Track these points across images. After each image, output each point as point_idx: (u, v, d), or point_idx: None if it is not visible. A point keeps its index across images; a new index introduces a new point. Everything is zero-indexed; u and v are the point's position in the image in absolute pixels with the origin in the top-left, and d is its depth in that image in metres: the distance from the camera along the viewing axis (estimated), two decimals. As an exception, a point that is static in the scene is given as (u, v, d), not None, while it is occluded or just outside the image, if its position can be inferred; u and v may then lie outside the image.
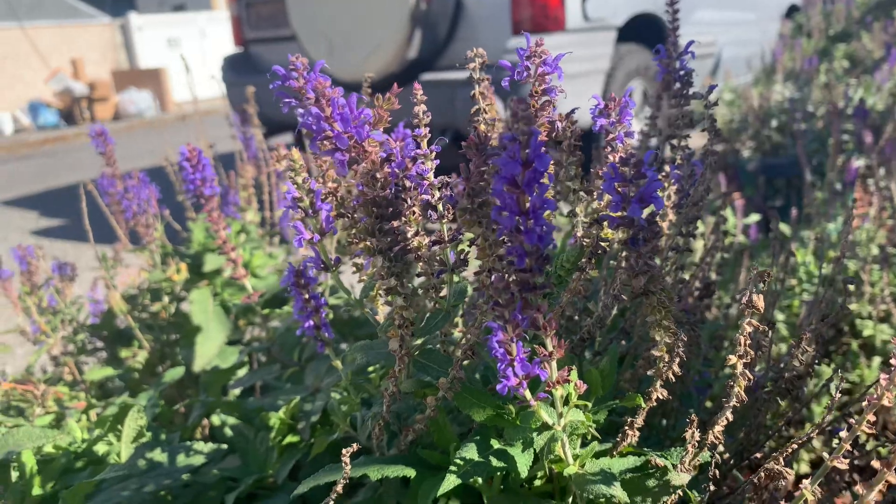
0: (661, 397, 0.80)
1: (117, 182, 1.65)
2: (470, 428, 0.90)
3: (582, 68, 4.30)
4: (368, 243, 0.64)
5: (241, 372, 1.43)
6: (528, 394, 0.64)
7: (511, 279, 0.59)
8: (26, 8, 14.37)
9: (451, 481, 0.72)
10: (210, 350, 1.50)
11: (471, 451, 0.75)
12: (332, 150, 0.64)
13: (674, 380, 0.77)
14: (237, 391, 1.45)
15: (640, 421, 0.78)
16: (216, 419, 1.38)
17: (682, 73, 0.91)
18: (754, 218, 2.85)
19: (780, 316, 1.93)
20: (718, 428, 0.78)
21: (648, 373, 0.81)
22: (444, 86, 4.34)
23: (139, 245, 1.71)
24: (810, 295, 1.98)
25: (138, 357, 1.61)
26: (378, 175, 0.62)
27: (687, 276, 0.96)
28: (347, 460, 0.68)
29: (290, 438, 1.09)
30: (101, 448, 1.14)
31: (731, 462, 1.03)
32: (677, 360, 0.75)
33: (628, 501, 0.67)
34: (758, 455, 1.00)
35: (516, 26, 4.32)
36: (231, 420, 1.37)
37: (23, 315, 1.78)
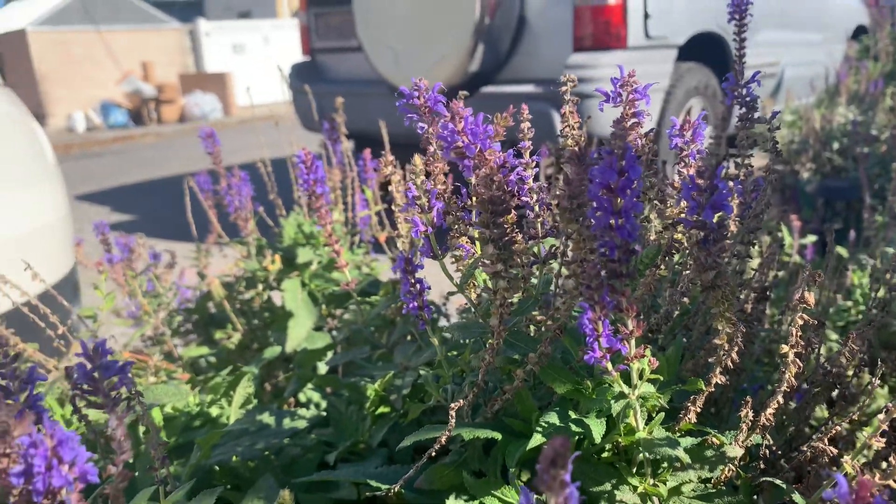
0: (719, 382, 0.91)
1: (221, 179, 1.84)
2: (548, 402, 1.03)
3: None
4: (482, 234, 0.78)
5: (329, 354, 1.58)
6: (609, 365, 0.77)
7: (601, 268, 0.72)
8: (104, 13, 15.08)
9: (536, 440, 0.85)
10: (300, 334, 1.66)
11: (553, 418, 0.88)
12: (460, 157, 0.78)
13: (731, 367, 0.89)
14: (324, 370, 1.61)
15: (700, 402, 0.90)
16: (305, 395, 1.54)
17: (748, 98, 1.02)
18: (811, 239, 2.89)
19: (832, 336, 2.00)
20: (770, 410, 0.89)
21: (709, 360, 0.92)
22: (503, 99, 4.49)
23: (236, 238, 1.89)
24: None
25: (232, 339, 1.79)
26: (495, 178, 0.76)
27: (745, 278, 1.07)
28: (453, 414, 0.82)
29: (381, 409, 1.23)
30: (214, 411, 1.30)
31: (780, 453, 1.13)
32: (736, 348, 0.86)
33: (690, 461, 0.79)
34: (804, 448, 1.10)
35: (578, 42, 4.44)
36: (316, 397, 1.53)
37: (128, 297, 1.97)
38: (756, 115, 1.02)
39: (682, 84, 4.63)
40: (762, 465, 0.96)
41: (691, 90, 4.77)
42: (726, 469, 0.88)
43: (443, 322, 1.53)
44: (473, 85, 4.69)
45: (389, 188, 1.40)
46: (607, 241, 0.70)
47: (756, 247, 1.11)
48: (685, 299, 1.00)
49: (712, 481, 0.94)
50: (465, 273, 0.93)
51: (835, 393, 1.04)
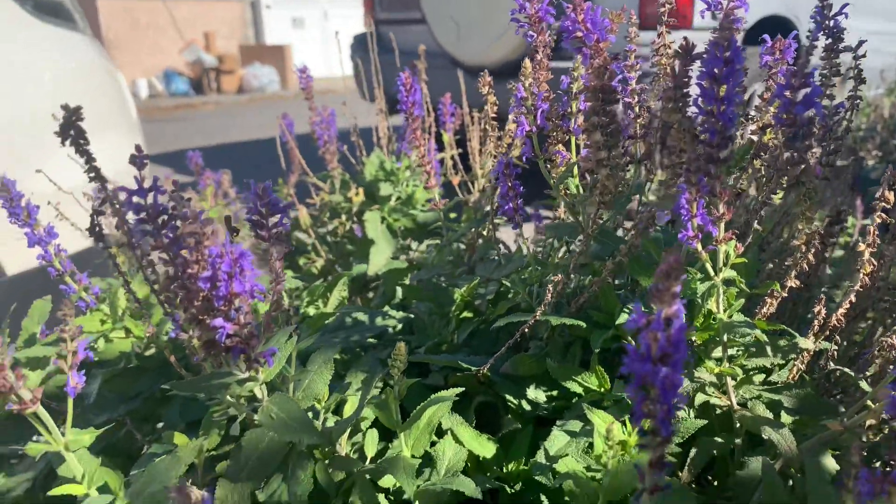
0: (793, 286, 0.99)
1: (312, 115, 1.96)
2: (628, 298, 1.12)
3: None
4: (589, 123, 0.87)
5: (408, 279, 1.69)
6: (700, 245, 0.85)
7: (700, 153, 0.80)
8: (171, -17, 15.44)
9: (623, 318, 0.94)
10: (381, 260, 1.78)
11: (625, 316, 0.98)
12: (578, 47, 0.87)
13: (807, 269, 0.96)
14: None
15: (774, 301, 0.98)
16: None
17: (834, 30, 1.08)
18: (875, 220, 2.89)
19: None
20: (842, 310, 0.96)
21: (786, 263, 1.00)
22: (561, 73, 4.53)
23: (321, 173, 2.02)
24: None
25: (316, 264, 1.91)
26: (607, 68, 0.85)
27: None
28: (549, 297, 0.91)
29: (465, 314, 1.33)
30: (310, 310, 1.42)
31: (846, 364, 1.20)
32: (813, 250, 0.94)
33: (767, 340, 0.87)
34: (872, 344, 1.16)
35: (643, 21, 4.44)
36: (399, 315, 1.64)
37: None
38: (842, 45, 1.08)
39: (748, 67, 4.60)
40: (830, 365, 1.03)
41: (755, 76, 4.73)
42: (799, 359, 0.96)
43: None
44: (508, 71, 4.73)
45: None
46: (708, 127, 0.78)
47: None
48: (762, 213, 1.07)
49: (780, 381, 1.02)
50: (562, 175, 1.02)
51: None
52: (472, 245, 1.54)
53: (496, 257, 1.43)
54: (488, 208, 1.52)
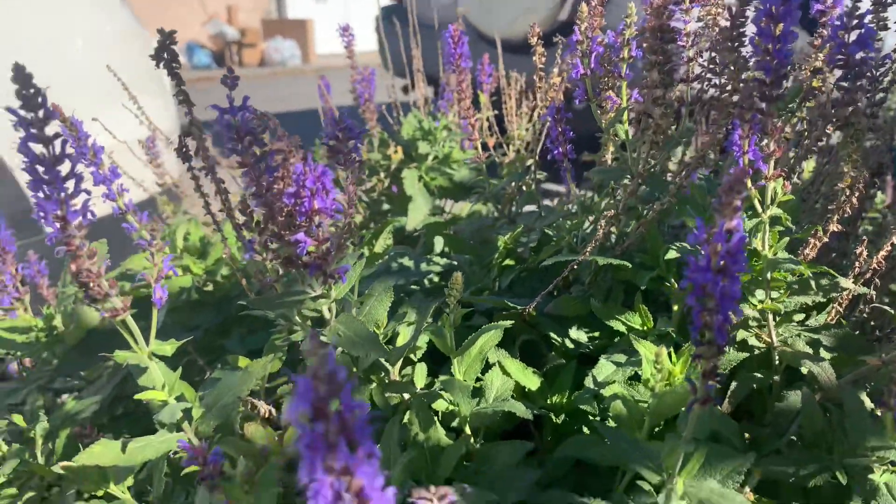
0: (835, 230, 1.02)
1: (352, 73, 2.00)
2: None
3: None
4: (647, 61, 0.90)
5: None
6: (749, 182, 0.89)
7: (754, 91, 0.84)
8: (194, -45, 15.44)
9: (671, 254, 0.99)
10: (419, 216, 1.82)
11: (673, 253, 1.02)
12: (639, -12, 0.91)
13: (849, 213, 1.00)
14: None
15: (818, 242, 1.01)
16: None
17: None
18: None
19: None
20: (883, 253, 1.00)
21: (829, 207, 1.03)
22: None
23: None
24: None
25: (354, 219, 1.96)
26: (666, 8, 0.88)
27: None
28: (601, 233, 0.95)
29: (507, 262, 1.38)
30: (356, 257, 1.47)
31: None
32: (857, 194, 0.97)
33: (809, 274, 0.91)
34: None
35: (673, -6, 4.42)
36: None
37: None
38: (889, -1, 1.10)
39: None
40: (868, 310, 1.06)
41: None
42: (838, 300, 1.00)
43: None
44: (563, 34, 4.72)
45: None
46: (764, 64, 0.82)
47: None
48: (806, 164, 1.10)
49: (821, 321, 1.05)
50: (612, 119, 1.06)
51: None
52: (512, 198, 1.58)
53: (538, 209, 1.47)
54: (530, 162, 1.56)
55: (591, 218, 1.21)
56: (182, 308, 1.23)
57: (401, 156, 1.95)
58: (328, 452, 0.48)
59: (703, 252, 0.66)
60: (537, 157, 1.50)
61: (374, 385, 1.03)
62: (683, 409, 0.91)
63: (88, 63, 2.71)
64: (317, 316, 0.96)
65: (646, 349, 0.94)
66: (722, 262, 0.66)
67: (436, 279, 1.43)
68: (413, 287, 1.44)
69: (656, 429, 0.98)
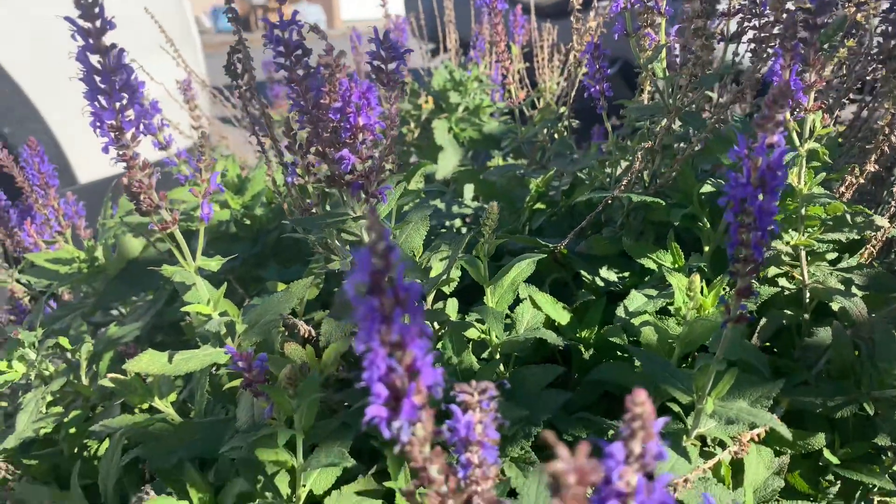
0: (872, 169, 1.02)
1: (386, 21, 2.01)
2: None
3: None
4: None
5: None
6: (788, 113, 0.89)
7: (798, 18, 0.83)
8: (220, -83, 15.36)
9: (707, 188, 0.99)
10: (449, 165, 1.84)
11: (708, 187, 1.03)
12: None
13: (888, 152, 0.99)
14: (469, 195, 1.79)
15: (854, 179, 1.01)
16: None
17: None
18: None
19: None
20: (919, 193, 1.00)
21: (866, 147, 1.03)
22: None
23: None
24: None
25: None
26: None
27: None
28: (636, 170, 0.96)
29: (538, 205, 1.39)
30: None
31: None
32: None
33: (846, 208, 0.91)
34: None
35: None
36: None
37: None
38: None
39: None
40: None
41: None
42: (872, 240, 1.00)
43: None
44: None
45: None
46: (809, -8, 0.81)
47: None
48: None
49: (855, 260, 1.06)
50: (651, 55, 1.06)
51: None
52: (543, 145, 1.58)
53: (570, 153, 1.48)
54: (563, 109, 1.56)
55: (623, 161, 1.22)
56: (221, 239, 1.27)
57: (431, 106, 1.96)
58: (383, 325, 0.50)
59: (743, 167, 0.67)
60: (571, 102, 1.50)
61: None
62: (711, 339, 0.93)
63: (125, 13, 2.74)
64: (355, 240, 0.98)
65: (678, 280, 0.96)
66: (761, 176, 0.67)
67: (465, 224, 1.45)
68: (442, 231, 1.46)
69: (685, 358, 1.00)
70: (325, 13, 14.65)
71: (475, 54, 2.03)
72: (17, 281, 1.57)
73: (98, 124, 0.75)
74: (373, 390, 0.53)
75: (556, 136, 1.58)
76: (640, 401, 0.43)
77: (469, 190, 1.70)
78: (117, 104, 0.75)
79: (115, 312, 1.53)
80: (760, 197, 0.67)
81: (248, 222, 1.31)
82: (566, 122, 1.50)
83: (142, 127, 0.78)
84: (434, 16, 3.42)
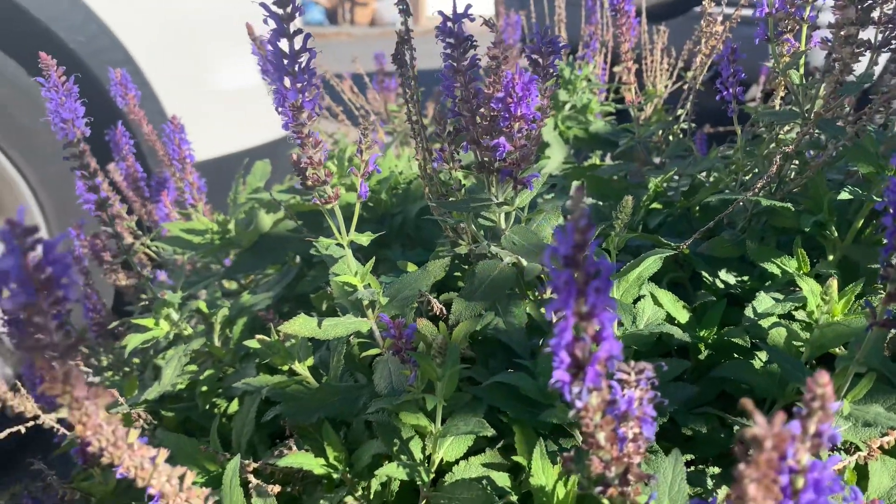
0: None
1: (500, 13, 2.06)
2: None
3: None
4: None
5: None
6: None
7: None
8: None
9: (844, 195, 1.00)
10: (554, 162, 1.87)
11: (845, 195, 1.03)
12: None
13: None
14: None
15: None
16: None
17: None
18: None
19: None
20: None
21: None
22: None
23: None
24: None
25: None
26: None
27: None
28: (782, 159, 0.97)
29: (654, 205, 1.41)
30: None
31: None
32: None
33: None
34: None
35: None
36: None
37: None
38: None
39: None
40: None
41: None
42: None
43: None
44: (688, 4, 4.58)
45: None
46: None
47: None
48: None
49: None
50: (790, 61, 1.06)
51: None
52: (657, 145, 1.60)
53: (687, 154, 1.49)
54: (680, 112, 1.57)
55: (747, 165, 1.22)
56: (348, 220, 1.34)
57: (540, 103, 1.99)
58: (576, 296, 0.54)
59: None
60: (692, 101, 1.51)
61: (530, 301, 1.10)
62: (843, 344, 0.93)
63: (218, 12, 2.86)
64: (490, 226, 1.03)
65: (810, 285, 0.96)
66: (927, 182, 0.68)
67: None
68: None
69: (806, 363, 1.01)
70: (412, 9, 14.83)
71: (587, 53, 2.06)
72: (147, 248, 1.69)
73: (281, 103, 0.82)
74: (557, 356, 0.57)
75: (670, 137, 1.59)
76: (823, 382, 0.46)
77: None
78: (300, 84, 0.82)
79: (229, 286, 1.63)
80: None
81: (372, 206, 1.37)
82: (682, 125, 1.51)
83: (316, 108, 0.84)
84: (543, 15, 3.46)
